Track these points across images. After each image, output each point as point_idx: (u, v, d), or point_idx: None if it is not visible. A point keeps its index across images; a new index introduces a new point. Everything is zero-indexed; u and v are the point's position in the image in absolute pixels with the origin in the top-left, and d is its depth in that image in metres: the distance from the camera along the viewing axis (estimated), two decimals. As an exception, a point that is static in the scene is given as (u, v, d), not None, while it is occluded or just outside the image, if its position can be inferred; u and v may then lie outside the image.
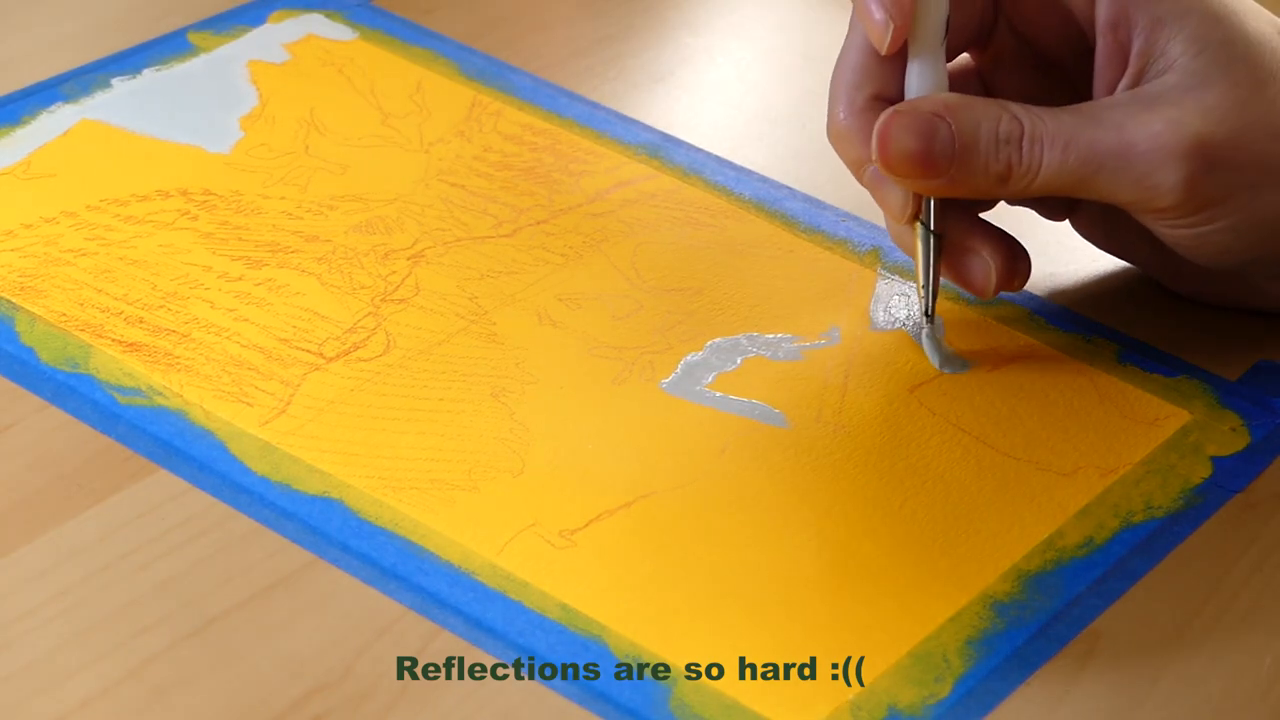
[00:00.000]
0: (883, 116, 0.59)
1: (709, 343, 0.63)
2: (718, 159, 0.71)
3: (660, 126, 0.73)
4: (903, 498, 0.57)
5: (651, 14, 0.80)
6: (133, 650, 0.51)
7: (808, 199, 0.69)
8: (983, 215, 0.63)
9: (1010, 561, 0.56)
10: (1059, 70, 0.63)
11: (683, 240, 0.67)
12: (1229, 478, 0.59)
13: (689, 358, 0.62)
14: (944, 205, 0.61)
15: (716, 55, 0.78)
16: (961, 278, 0.62)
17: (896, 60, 0.61)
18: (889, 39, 0.59)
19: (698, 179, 0.70)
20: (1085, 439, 0.60)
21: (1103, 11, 0.60)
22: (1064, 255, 0.68)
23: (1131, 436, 0.60)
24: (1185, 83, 0.58)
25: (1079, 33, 0.62)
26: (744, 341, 0.63)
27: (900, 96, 0.60)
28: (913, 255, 0.62)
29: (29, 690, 0.50)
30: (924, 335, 0.63)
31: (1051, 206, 0.65)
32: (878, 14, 0.59)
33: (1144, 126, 0.58)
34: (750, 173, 0.71)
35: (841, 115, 0.61)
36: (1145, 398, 0.62)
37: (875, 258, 0.67)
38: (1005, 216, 0.64)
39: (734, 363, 0.62)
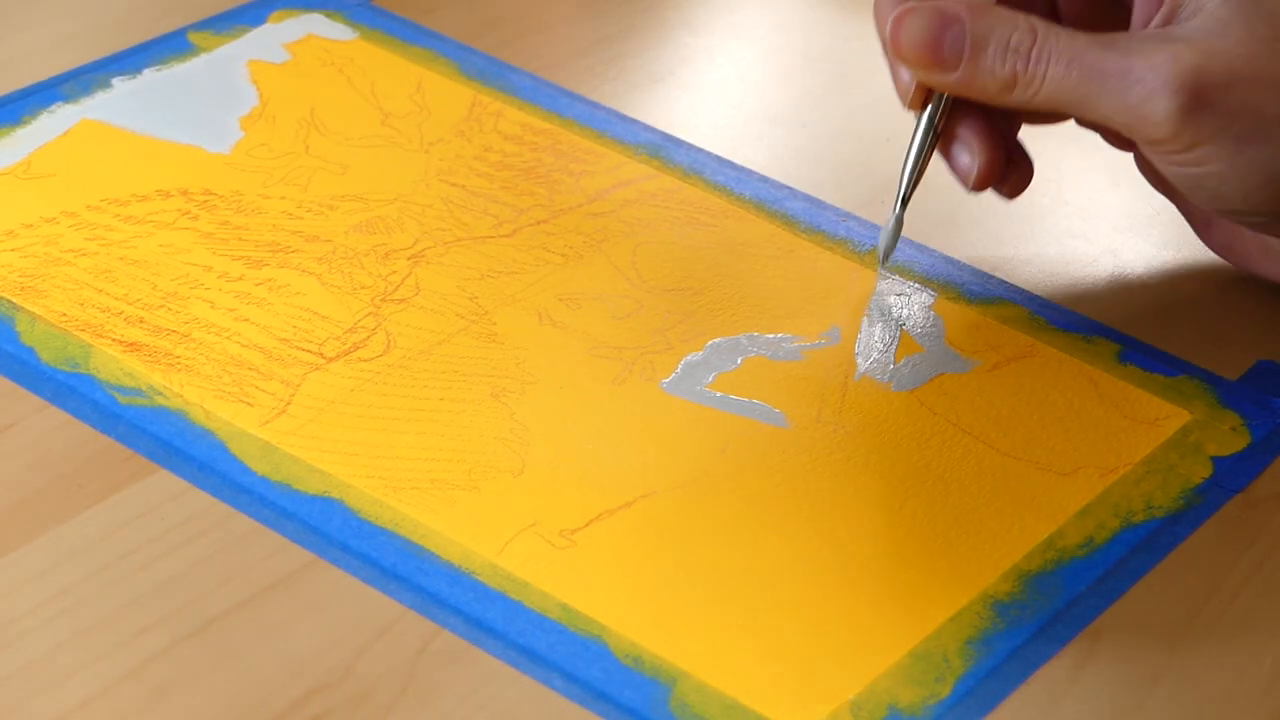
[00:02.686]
0: (902, 8, 0.61)
1: (709, 343, 0.63)
2: (718, 159, 0.71)
3: (660, 126, 0.73)
4: (903, 498, 0.57)
5: (651, 14, 0.80)
6: (133, 650, 0.51)
7: (808, 199, 0.69)
8: (990, 231, 0.64)
9: (1010, 561, 0.56)
10: (1123, 3, 0.65)
11: (683, 240, 0.67)
12: (1229, 478, 0.59)
13: (689, 358, 0.62)
14: (958, 105, 0.63)
15: (716, 55, 0.78)
16: (952, 165, 0.64)
17: None
18: None
19: (698, 179, 0.70)
20: (1085, 439, 0.60)
21: None
22: (1064, 255, 0.68)
23: (1132, 436, 0.60)
24: (1207, 26, 0.60)
25: None
26: (744, 341, 0.63)
27: None
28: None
29: (29, 690, 0.50)
30: (891, 218, 0.64)
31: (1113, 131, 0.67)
32: None
33: (1148, 56, 0.59)
34: (750, 173, 0.71)
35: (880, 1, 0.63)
36: (1145, 398, 0.62)
37: (875, 258, 0.67)
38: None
39: (734, 363, 0.62)
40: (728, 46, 0.79)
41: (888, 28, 0.62)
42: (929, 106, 0.63)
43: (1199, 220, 0.67)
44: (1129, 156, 0.65)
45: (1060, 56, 0.60)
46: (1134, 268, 0.67)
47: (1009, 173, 0.64)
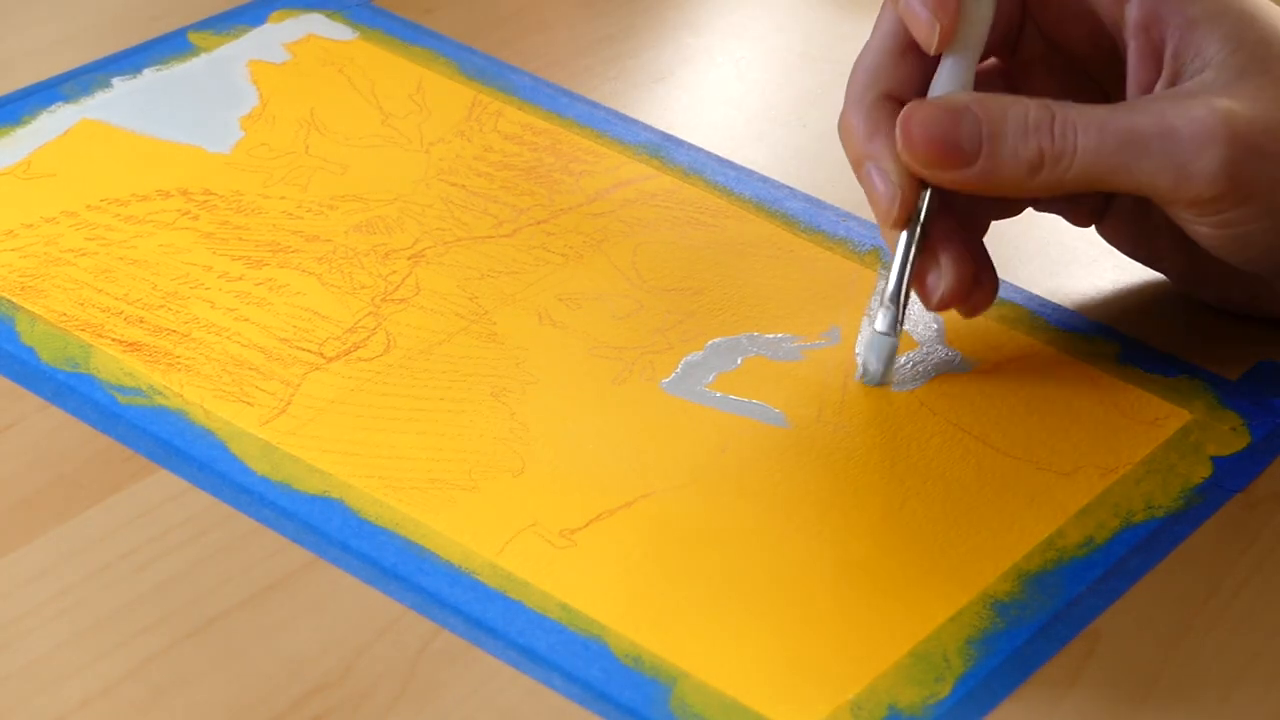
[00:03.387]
0: (907, 107, 0.58)
1: (709, 343, 0.63)
2: (718, 159, 0.71)
3: (660, 126, 0.73)
4: (903, 498, 0.57)
5: (651, 14, 0.80)
6: (133, 650, 0.51)
7: (808, 199, 0.69)
8: (992, 227, 0.63)
9: (1010, 561, 0.56)
10: (1087, 75, 0.63)
11: (683, 240, 0.67)
12: (1229, 478, 0.59)
13: (689, 358, 0.62)
14: (934, 217, 0.60)
15: (716, 55, 0.78)
16: (915, 281, 0.60)
17: (914, 62, 0.60)
18: (935, 40, 0.59)
19: (698, 179, 0.70)
20: (1085, 439, 0.60)
21: (1134, 13, 0.60)
22: (1064, 255, 0.68)
23: (1132, 436, 0.60)
24: (1224, 78, 0.58)
25: (1107, 36, 0.61)
26: (744, 341, 0.63)
27: (912, 98, 0.60)
28: (892, 253, 0.60)
29: (29, 690, 0.50)
30: (877, 343, 0.60)
31: (1080, 208, 0.64)
32: (922, 13, 0.59)
33: (1185, 111, 0.57)
34: (750, 173, 0.71)
35: (848, 109, 0.61)
36: (1145, 398, 0.62)
37: (875, 258, 0.67)
38: (1017, 226, 0.64)
39: (734, 363, 0.62)
40: (728, 46, 0.79)
41: (897, 131, 0.58)
42: (911, 221, 0.59)
43: (1194, 280, 0.65)
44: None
45: (1088, 127, 0.57)
46: (1134, 268, 0.67)
47: (973, 290, 0.61)
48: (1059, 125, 0.57)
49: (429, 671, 0.51)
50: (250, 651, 0.51)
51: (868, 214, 0.68)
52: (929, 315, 0.64)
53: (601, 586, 0.54)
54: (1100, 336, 0.64)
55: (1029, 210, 0.65)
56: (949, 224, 0.60)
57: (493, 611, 0.53)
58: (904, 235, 0.60)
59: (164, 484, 0.56)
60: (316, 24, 0.77)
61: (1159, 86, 0.60)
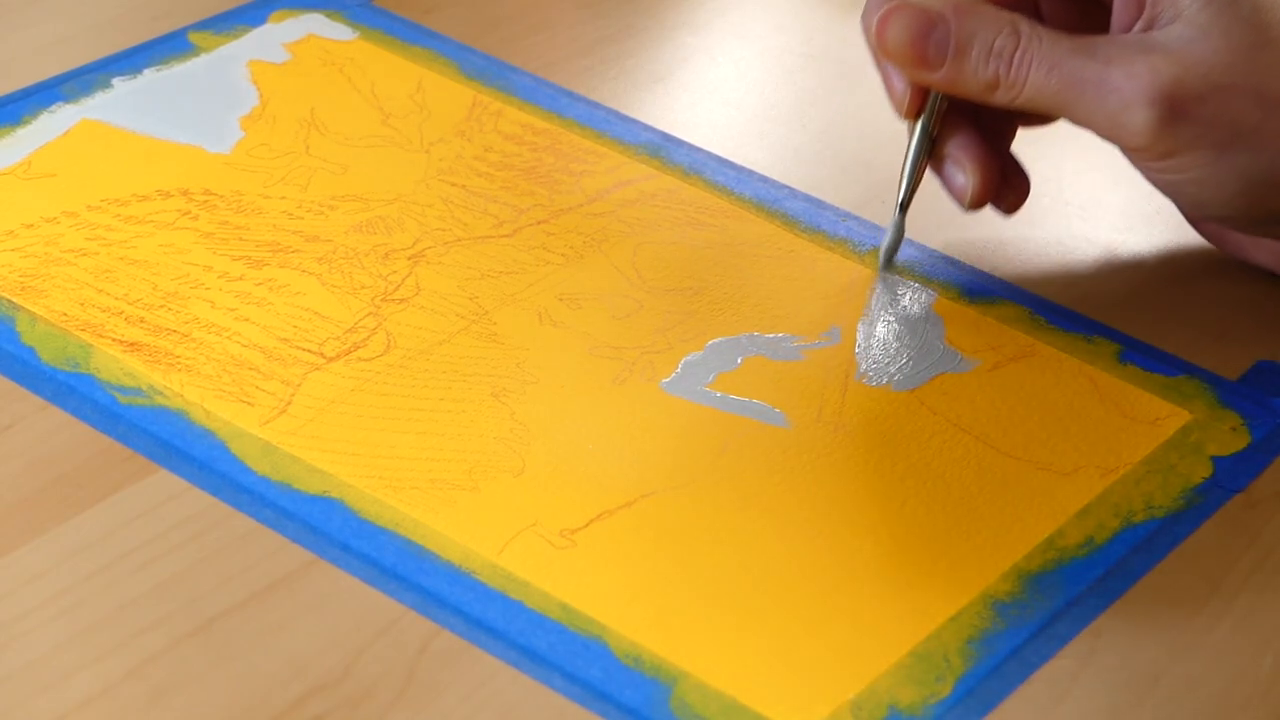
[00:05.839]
0: (888, 6, 0.62)
1: (709, 343, 0.63)
2: (718, 159, 0.71)
3: (660, 126, 0.73)
4: (903, 498, 0.58)
5: (651, 14, 0.80)
6: (133, 650, 0.51)
7: (808, 199, 0.69)
8: (991, 231, 0.65)
9: (1011, 561, 0.56)
10: (1104, 3, 0.65)
11: (683, 240, 0.67)
12: (1229, 478, 0.59)
13: (689, 358, 0.62)
14: (950, 114, 0.64)
15: (716, 55, 0.78)
16: (946, 185, 0.65)
17: None
18: None
19: (698, 179, 0.70)
20: (1085, 439, 0.60)
21: None
22: (1064, 255, 0.68)
23: (1132, 436, 0.60)
24: (1185, 34, 0.60)
25: None
26: (744, 341, 0.63)
27: None
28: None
29: (29, 690, 0.50)
30: (891, 224, 0.65)
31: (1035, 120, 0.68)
32: None
33: (1127, 65, 0.60)
34: (750, 173, 0.71)
35: (869, 6, 0.64)
36: (1145, 398, 0.62)
37: (875, 258, 0.67)
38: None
39: (734, 363, 0.62)
40: (728, 46, 0.79)
41: (873, 28, 0.62)
42: (923, 114, 0.64)
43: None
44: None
45: (1042, 62, 0.61)
46: (1134, 268, 0.67)
47: (1004, 189, 0.65)
48: (1019, 55, 0.61)
49: (429, 671, 0.51)
50: (250, 651, 0.51)
51: (868, 214, 0.68)
52: (929, 315, 0.64)
53: (601, 586, 0.54)
54: (1100, 336, 0.64)
55: (1029, 210, 0.66)
56: (971, 134, 0.64)
57: (493, 611, 0.53)
58: (919, 123, 0.64)
59: (164, 484, 0.56)
60: (316, 24, 0.77)
61: (1136, 29, 0.62)
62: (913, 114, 0.64)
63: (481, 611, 0.53)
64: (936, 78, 0.62)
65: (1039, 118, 0.66)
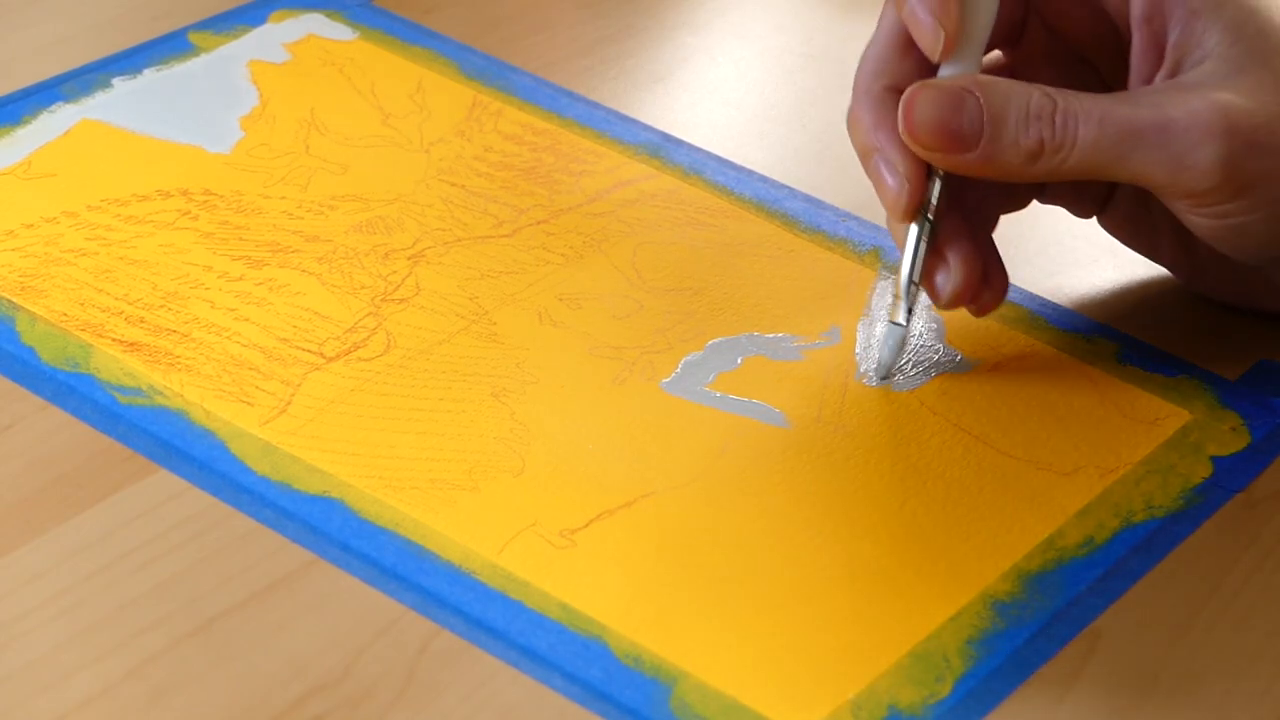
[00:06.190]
0: (910, 89, 0.58)
1: (709, 343, 0.63)
2: (718, 159, 0.71)
3: (660, 126, 0.73)
4: (903, 498, 0.58)
5: (651, 14, 0.80)
6: (133, 650, 0.51)
7: (808, 199, 0.69)
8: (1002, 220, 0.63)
9: (1010, 561, 0.56)
10: (1090, 67, 0.63)
11: (683, 240, 0.67)
12: (1229, 478, 0.59)
13: (689, 358, 0.62)
14: (943, 211, 0.60)
15: (716, 55, 0.78)
16: (924, 280, 0.61)
17: (919, 56, 0.60)
18: (939, 48, 0.59)
19: (698, 179, 0.70)
20: (1085, 439, 0.60)
21: (1137, 6, 0.60)
22: (1064, 255, 0.68)
23: (1131, 436, 0.60)
24: (1223, 70, 0.58)
25: (1111, 28, 0.62)
26: (744, 341, 0.63)
27: None
28: (900, 248, 0.61)
29: (29, 690, 0.50)
30: (888, 338, 0.61)
31: (1083, 199, 0.64)
32: (925, 19, 0.59)
33: (1183, 104, 0.57)
34: (750, 173, 0.71)
35: (856, 102, 0.61)
36: (1145, 398, 0.62)
37: (875, 258, 0.67)
38: (1024, 219, 0.64)
39: (734, 363, 0.62)
40: (728, 46, 0.79)
41: (899, 114, 0.58)
42: (922, 214, 0.60)
43: (1193, 273, 0.65)
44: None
45: (1088, 117, 0.57)
46: (1134, 268, 0.67)
47: (982, 289, 0.61)
48: (1060, 115, 0.57)
49: (429, 671, 0.51)
50: (250, 651, 0.51)
51: (868, 214, 0.68)
52: (929, 315, 0.64)
53: (601, 586, 0.54)
54: (1100, 336, 0.64)
55: (1029, 210, 0.65)
56: (956, 222, 0.61)
57: (493, 611, 0.53)
58: (914, 227, 0.60)
59: (164, 484, 0.56)
60: (316, 24, 0.77)
61: (1159, 77, 0.60)
62: (912, 212, 0.59)
63: (481, 611, 0.53)
64: (972, 157, 0.58)
65: (1019, 202, 0.63)
